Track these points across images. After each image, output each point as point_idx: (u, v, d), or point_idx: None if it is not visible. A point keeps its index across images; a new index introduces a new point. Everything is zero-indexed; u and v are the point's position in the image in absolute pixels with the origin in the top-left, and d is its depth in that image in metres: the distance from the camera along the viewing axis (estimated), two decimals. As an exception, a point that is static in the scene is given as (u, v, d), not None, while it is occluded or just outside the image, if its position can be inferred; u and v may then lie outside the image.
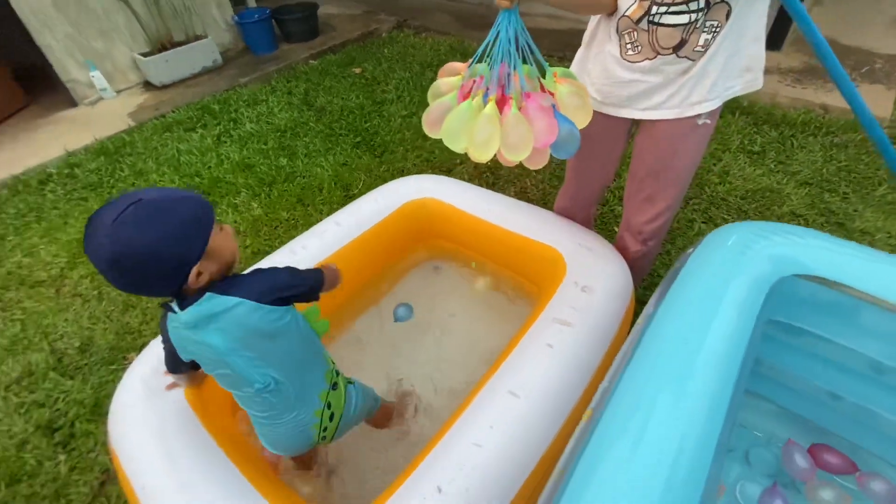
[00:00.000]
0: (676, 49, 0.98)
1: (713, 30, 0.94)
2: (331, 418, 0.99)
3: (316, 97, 3.29)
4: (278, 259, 1.40)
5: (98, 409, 1.51)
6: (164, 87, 3.63)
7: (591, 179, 1.40)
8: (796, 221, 1.99)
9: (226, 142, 2.89)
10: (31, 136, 3.20)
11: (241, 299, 0.78)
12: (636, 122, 1.19)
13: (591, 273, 1.26)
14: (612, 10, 1.02)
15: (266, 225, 2.23)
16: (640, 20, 0.97)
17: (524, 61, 0.95)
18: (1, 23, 3.14)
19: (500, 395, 0.99)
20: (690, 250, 1.03)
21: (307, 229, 1.54)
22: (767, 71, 1.34)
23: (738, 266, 0.94)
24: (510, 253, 1.54)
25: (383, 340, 1.56)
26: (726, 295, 0.88)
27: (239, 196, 2.43)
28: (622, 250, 1.37)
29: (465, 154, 0.95)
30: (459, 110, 0.90)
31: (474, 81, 0.94)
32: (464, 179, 2.13)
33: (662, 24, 0.95)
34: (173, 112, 3.26)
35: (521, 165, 1.00)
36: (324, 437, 1.00)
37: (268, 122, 3.03)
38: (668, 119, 1.09)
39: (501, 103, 0.92)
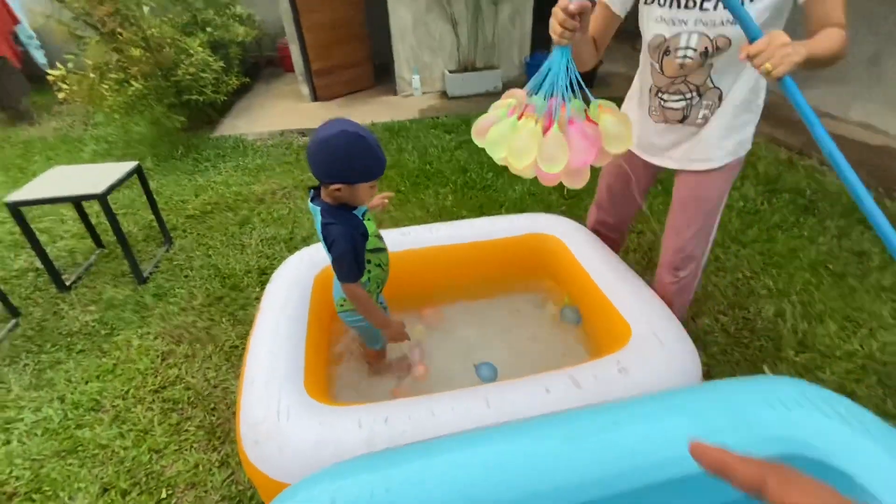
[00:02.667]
0: (681, 121, 1.27)
1: (709, 107, 1.22)
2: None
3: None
4: (413, 231, 1.80)
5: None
6: (454, 98, 4.62)
7: (623, 205, 1.63)
8: None
9: (463, 148, 3.55)
10: (363, 106, 4.62)
11: (321, 213, 1.15)
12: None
13: (639, 361, 1.21)
14: (593, 63, 1.28)
15: (447, 214, 2.72)
16: (656, 96, 1.28)
17: (573, 93, 1.03)
18: (381, 32, 4.62)
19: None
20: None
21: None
22: None
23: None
24: (593, 307, 1.56)
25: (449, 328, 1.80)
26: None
27: (445, 188, 3.01)
28: (658, 284, 1.53)
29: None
30: (504, 123, 1.06)
31: (526, 106, 1.09)
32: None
33: (668, 107, 1.27)
34: (445, 117, 4.16)
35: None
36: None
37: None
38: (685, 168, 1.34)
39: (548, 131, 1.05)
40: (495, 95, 4.67)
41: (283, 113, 4.52)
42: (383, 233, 1.79)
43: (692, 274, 1.47)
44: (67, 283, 2.29)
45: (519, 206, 2.78)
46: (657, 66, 1.22)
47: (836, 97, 3.78)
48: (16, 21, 4.17)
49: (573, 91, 1.04)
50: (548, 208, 2.75)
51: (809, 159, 3.20)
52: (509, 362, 1.64)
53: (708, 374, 1.72)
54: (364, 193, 1.13)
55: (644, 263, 2.29)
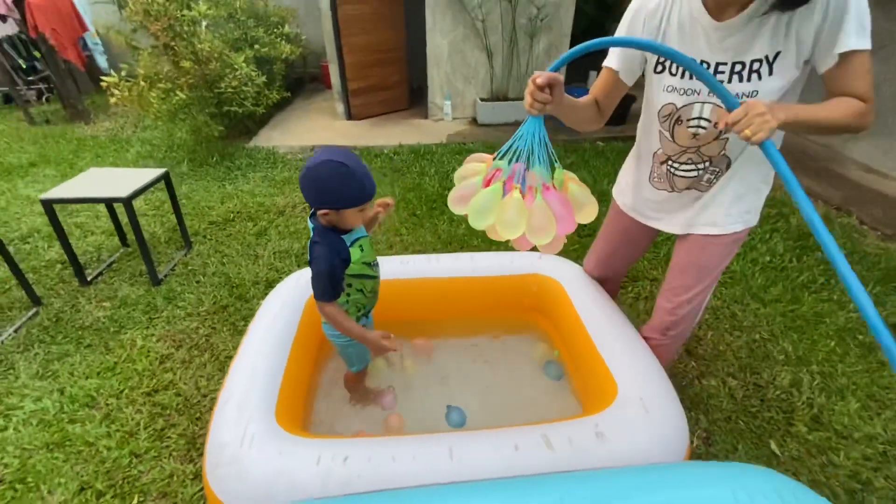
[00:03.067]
0: (688, 189, 1.24)
1: (715, 173, 1.18)
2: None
3: (575, 171, 3.60)
4: (413, 261, 1.80)
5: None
6: (482, 125, 4.66)
7: (620, 263, 1.62)
8: None
9: (485, 176, 3.55)
10: (394, 127, 4.72)
11: (312, 231, 1.20)
12: None
13: (619, 427, 1.14)
14: (596, 126, 1.28)
15: (457, 242, 2.71)
16: (662, 164, 1.24)
17: (540, 162, 1.01)
18: (418, 58, 4.75)
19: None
20: None
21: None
22: None
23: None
24: (583, 359, 1.49)
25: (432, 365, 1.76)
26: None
27: (460, 215, 3.00)
28: (647, 338, 1.46)
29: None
30: (488, 191, 1.04)
31: (496, 171, 1.06)
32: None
33: (678, 175, 1.22)
34: (472, 143, 4.20)
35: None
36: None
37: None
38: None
39: (509, 190, 1.02)
40: (525, 125, 4.67)
41: (317, 129, 4.68)
42: (383, 259, 1.80)
43: (681, 335, 1.42)
44: (89, 278, 2.41)
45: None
46: (667, 134, 1.17)
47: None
48: (84, 29, 4.54)
49: (540, 160, 1.02)
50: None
51: (849, 217, 3.02)
52: (488, 403, 1.59)
53: (707, 442, 1.61)
54: (352, 218, 1.17)
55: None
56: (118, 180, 2.30)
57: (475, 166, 1.11)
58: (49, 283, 2.41)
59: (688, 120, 1.11)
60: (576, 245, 2.69)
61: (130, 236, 2.76)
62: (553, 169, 1.05)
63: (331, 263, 1.16)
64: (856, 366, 1.89)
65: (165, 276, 2.46)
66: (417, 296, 1.74)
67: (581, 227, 3.00)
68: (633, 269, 2.43)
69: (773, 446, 1.58)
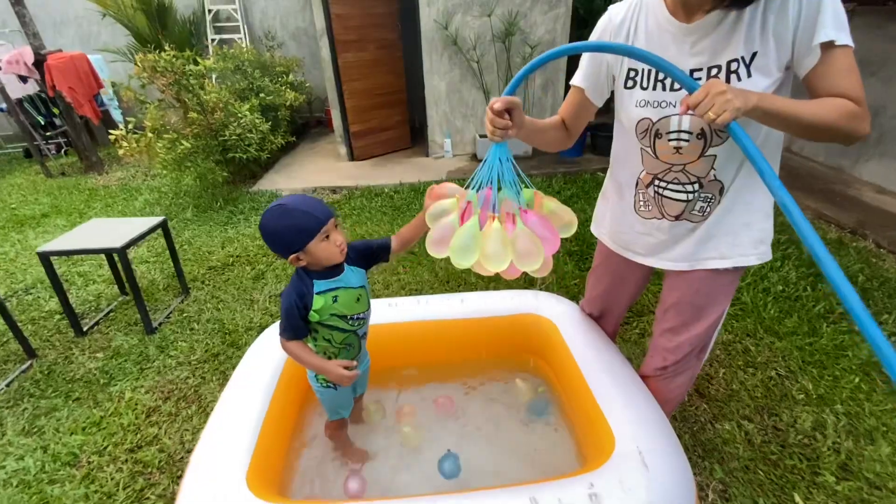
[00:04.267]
0: (678, 216, 1.11)
1: (708, 200, 1.07)
2: None
3: (575, 203, 3.57)
4: (401, 303, 1.74)
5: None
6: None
7: (618, 303, 1.51)
8: None
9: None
10: (395, 166, 4.78)
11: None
12: None
13: (615, 488, 1.04)
14: (564, 147, 1.25)
15: (455, 280, 2.65)
16: (648, 186, 1.12)
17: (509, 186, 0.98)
18: (418, 97, 4.86)
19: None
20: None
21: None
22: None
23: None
24: (579, 406, 1.39)
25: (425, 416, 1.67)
26: None
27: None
28: (646, 374, 1.37)
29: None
30: (467, 227, 0.99)
31: (468, 204, 1.02)
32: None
33: (667, 197, 1.10)
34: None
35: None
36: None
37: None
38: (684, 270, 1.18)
39: (484, 221, 0.97)
40: (524, 160, 4.71)
41: (320, 171, 4.76)
42: (376, 302, 1.74)
43: (685, 373, 1.31)
44: (84, 329, 2.40)
45: (529, 278, 2.66)
46: (649, 149, 1.08)
47: (896, 173, 3.46)
48: (100, 86, 4.78)
49: (511, 184, 0.98)
50: (562, 279, 2.62)
51: (864, 240, 2.89)
52: (482, 450, 1.50)
53: (724, 496, 1.47)
54: (320, 251, 1.14)
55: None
56: (116, 230, 2.33)
57: (445, 204, 1.07)
58: (45, 335, 2.41)
59: (667, 133, 1.02)
60: (576, 280, 2.61)
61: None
62: (522, 191, 1.01)
63: (289, 303, 1.15)
64: (884, 404, 1.74)
65: (160, 323, 2.44)
66: (403, 341, 1.68)
67: (582, 260, 2.98)
68: (637, 302, 2.33)
69: (798, 500, 1.44)
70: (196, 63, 3.62)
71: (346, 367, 1.20)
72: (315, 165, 4.95)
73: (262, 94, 4.59)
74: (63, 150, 5.74)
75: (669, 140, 1.02)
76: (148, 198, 4.26)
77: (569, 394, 1.52)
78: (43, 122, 5.15)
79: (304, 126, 6.45)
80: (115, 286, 2.76)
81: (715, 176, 1.03)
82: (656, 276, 1.42)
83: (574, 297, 2.34)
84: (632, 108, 1.06)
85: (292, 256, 1.13)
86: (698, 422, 1.72)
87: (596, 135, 4.52)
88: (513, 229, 0.98)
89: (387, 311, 1.70)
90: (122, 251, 2.16)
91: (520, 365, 1.77)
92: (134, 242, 2.24)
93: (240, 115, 3.89)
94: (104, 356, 2.23)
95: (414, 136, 5.51)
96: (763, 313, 2.25)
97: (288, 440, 1.45)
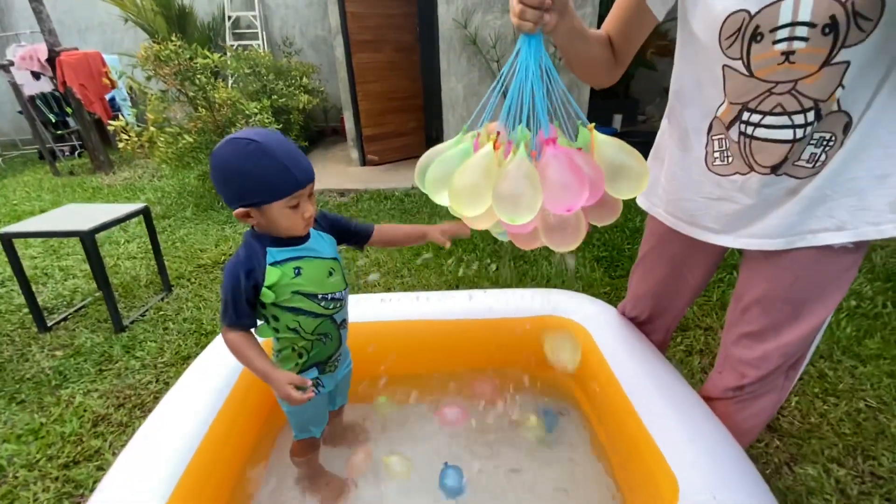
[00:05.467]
0: (775, 168, 0.78)
1: (823, 143, 0.74)
2: None
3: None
4: (396, 299, 1.43)
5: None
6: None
7: (675, 302, 1.14)
8: None
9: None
10: (408, 171, 4.55)
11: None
12: None
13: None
14: (609, 82, 0.94)
15: (465, 284, 2.33)
16: (730, 125, 0.79)
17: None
18: (435, 106, 4.66)
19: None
20: None
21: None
22: None
23: None
24: (621, 435, 1.04)
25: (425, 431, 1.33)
26: None
27: (471, 255, 2.66)
28: (713, 396, 1.02)
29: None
30: (453, 152, 0.71)
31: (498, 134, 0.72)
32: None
33: (761, 137, 0.76)
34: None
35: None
36: None
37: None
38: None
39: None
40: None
41: (330, 174, 4.56)
42: (365, 297, 1.45)
43: (766, 396, 0.96)
44: (50, 324, 2.15)
45: (554, 283, 2.33)
46: (741, 64, 0.73)
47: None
48: (114, 86, 4.73)
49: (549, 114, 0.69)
50: (588, 286, 2.27)
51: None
52: (487, 465, 1.15)
53: (819, 568, 1.08)
54: (280, 218, 0.85)
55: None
56: (91, 215, 2.10)
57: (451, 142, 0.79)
58: (7, 329, 2.16)
59: (771, 31, 0.68)
60: (606, 288, 2.26)
61: (113, 279, 2.53)
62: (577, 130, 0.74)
63: (234, 279, 0.85)
64: None
65: (133, 321, 2.17)
66: (395, 343, 1.36)
67: (612, 267, 2.64)
68: (679, 315, 1.97)
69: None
70: (204, 56, 3.48)
71: (298, 387, 0.87)
72: (325, 169, 4.75)
73: (273, 97, 4.45)
74: (77, 153, 5.71)
75: (776, 42, 0.69)
76: (150, 196, 4.09)
77: (605, 419, 1.17)
78: (54, 120, 5.11)
79: (319, 134, 6.33)
80: (95, 282, 2.53)
81: (839, 103, 0.70)
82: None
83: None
84: (716, 1, 0.73)
85: (240, 210, 0.85)
86: (771, 463, 1.34)
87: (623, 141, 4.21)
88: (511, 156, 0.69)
89: (378, 308, 1.39)
90: (91, 234, 1.92)
91: (539, 379, 1.42)
92: (106, 227, 2.00)
93: (248, 111, 3.72)
94: (63, 354, 1.96)
95: (430, 145, 5.28)
96: (837, 332, 1.86)
97: (241, 462, 1.13)
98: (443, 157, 0.75)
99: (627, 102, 5.90)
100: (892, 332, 1.85)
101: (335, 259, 0.98)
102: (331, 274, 0.96)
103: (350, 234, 1.06)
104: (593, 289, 2.26)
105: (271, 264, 0.88)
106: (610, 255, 2.56)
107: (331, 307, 0.97)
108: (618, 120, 5.52)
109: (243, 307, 0.87)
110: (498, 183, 0.67)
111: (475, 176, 0.68)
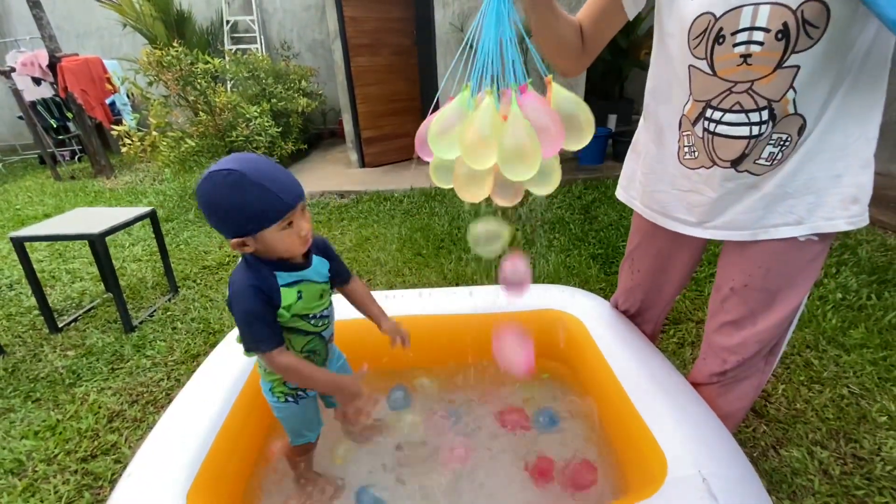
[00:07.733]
0: (735, 163, 0.84)
1: (781, 144, 0.81)
2: None
3: (597, 207, 3.31)
4: (399, 295, 1.50)
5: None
6: (498, 167, 4.49)
7: (661, 295, 1.22)
8: None
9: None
10: (406, 172, 4.61)
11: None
12: None
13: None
14: (574, 69, 1.00)
15: (464, 282, 2.40)
16: (696, 122, 0.86)
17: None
18: (430, 107, 4.72)
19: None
20: None
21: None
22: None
23: None
24: (616, 420, 1.11)
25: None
26: None
27: (470, 254, 2.72)
28: (699, 381, 1.09)
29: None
30: (450, 107, 0.78)
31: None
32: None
33: (720, 134, 0.83)
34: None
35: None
36: None
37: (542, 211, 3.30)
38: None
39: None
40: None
41: (329, 176, 4.62)
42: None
43: (747, 380, 1.03)
44: (61, 325, 2.20)
45: (551, 280, 2.40)
46: (705, 63, 0.80)
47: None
48: (115, 90, 4.77)
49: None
50: (584, 283, 2.34)
51: (929, 248, 2.56)
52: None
53: (802, 542, 1.15)
54: (277, 242, 0.86)
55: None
56: (100, 218, 2.15)
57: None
58: (19, 331, 2.22)
59: (732, 34, 0.75)
60: (602, 283, 2.33)
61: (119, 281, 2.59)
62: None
63: (253, 304, 0.86)
64: None
65: (142, 322, 2.23)
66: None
67: (607, 264, 2.71)
68: (672, 309, 2.04)
69: (902, 550, 1.11)
70: (206, 62, 3.54)
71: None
72: (325, 171, 4.81)
73: (273, 100, 4.51)
74: (77, 157, 5.75)
75: (735, 45, 0.75)
76: (152, 200, 4.14)
77: (601, 404, 1.24)
78: (55, 126, 5.15)
79: (317, 137, 6.38)
80: (102, 284, 2.58)
81: (795, 106, 0.77)
82: (695, 283, 1.15)
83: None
84: (687, 3, 0.79)
85: (236, 241, 0.85)
86: (758, 446, 1.41)
87: (618, 141, 4.29)
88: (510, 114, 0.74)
89: (383, 304, 1.45)
90: (101, 237, 1.98)
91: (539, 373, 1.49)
92: (115, 230, 2.06)
93: (248, 115, 3.78)
94: (75, 354, 2.01)
95: (427, 145, 5.35)
96: (823, 323, 1.93)
97: (251, 454, 1.19)
98: (442, 111, 0.80)
99: (622, 103, 5.97)
100: (876, 322, 1.92)
101: (326, 282, 1.01)
102: (321, 296, 0.99)
103: (332, 270, 1.04)
104: (589, 284, 2.33)
105: (283, 286, 0.90)
106: (605, 252, 2.63)
107: (320, 325, 1.00)
108: (612, 120, 5.60)
109: (275, 326, 0.89)
110: (504, 139, 0.72)
111: (482, 128, 0.72)
